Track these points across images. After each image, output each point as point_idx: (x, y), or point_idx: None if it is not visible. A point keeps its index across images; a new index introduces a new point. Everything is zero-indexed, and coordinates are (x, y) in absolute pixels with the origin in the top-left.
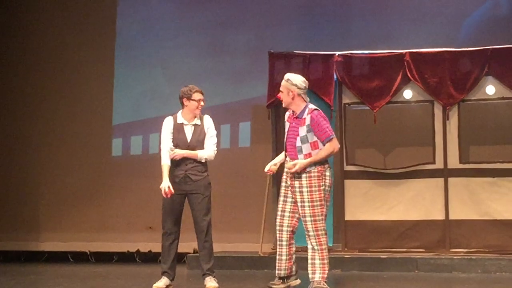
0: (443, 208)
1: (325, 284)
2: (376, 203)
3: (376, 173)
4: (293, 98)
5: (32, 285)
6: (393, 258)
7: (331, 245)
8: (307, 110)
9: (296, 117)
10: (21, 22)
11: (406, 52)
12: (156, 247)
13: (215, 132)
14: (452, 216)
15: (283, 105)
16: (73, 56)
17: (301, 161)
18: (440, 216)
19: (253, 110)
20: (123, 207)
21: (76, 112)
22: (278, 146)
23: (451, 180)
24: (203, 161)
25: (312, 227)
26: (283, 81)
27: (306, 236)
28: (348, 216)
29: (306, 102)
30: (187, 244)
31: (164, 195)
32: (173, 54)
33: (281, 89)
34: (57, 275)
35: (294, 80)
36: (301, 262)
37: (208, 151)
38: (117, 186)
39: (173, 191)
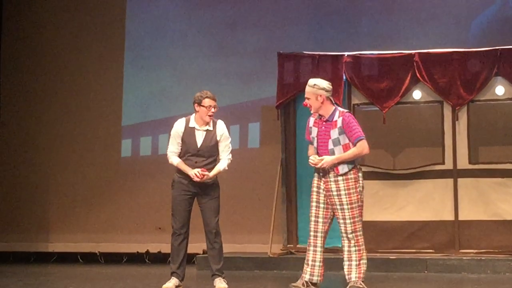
0: (453, 209)
1: (362, 284)
2: (385, 203)
3: (386, 173)
4: (322, 102)
5: (41, 286)
6: (402, 259)
7: (340, 245)
8: (337, 112)
9: (326, 121)
10: (29, 23)
11: (415, 53)
12: (166, 248)
13: (229, 140)
14: (461, 217)
15: (312, 111)
16: (82, 57)
17: (327, 158)
18: (450, 216)
19: (262, 111)
20: (132, 208)
21: (85, 113)
22: (287, 146)
23: (460, 180)
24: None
25: (352, 229)
26: (308, 87)
27: (344, 237)
28: None
29: (334, 105)
30: (197, 245)
31: (202, 176)
32: (182, 55)
33: (307, 96)
34: (66, 276)
35: (321, 84)
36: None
37: (226, 162)
38: (127, 187)
39: (203, 171)
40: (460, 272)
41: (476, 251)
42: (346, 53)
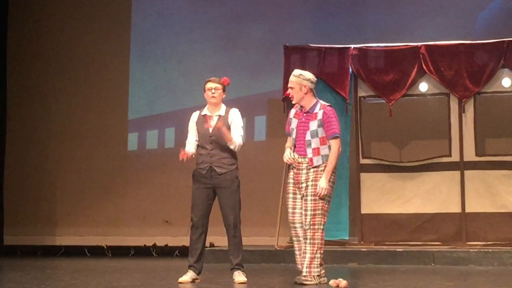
0: (460, 201)
1: (312, 278)
2: (392, 196)
3: (392, 166)
4: (306, 93)
5: (48, 280)
6: (409, 251)
7: (347, 238)
8: (319, 105)
9: (307, 112)
10: (35, 17)
11: (421, 45)
12: (173, 241)
13: (241, 124)
14: (468, 209)
15: (294, 101)
16: (88, 51)
17: (322, 182)
18: (457, 209)
19: (269, 104)
20: (139, 201)
21: (92, 107)
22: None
23: (467, 172)
24: (232, 147)
25: (310, 221)
26: (293, 77)
27: (303, 227)
28: (364, 209)
29: (316, 98)
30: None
31: (182, 156)
32: (188, 49)
33: (291, 85)
34: (73, 269)
35: (306, 74)
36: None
37: (239, 139)
38: (133, 180)
39: (188, 154)
40: (467, 264)
41: (483, 243)
42: (352, 46)
